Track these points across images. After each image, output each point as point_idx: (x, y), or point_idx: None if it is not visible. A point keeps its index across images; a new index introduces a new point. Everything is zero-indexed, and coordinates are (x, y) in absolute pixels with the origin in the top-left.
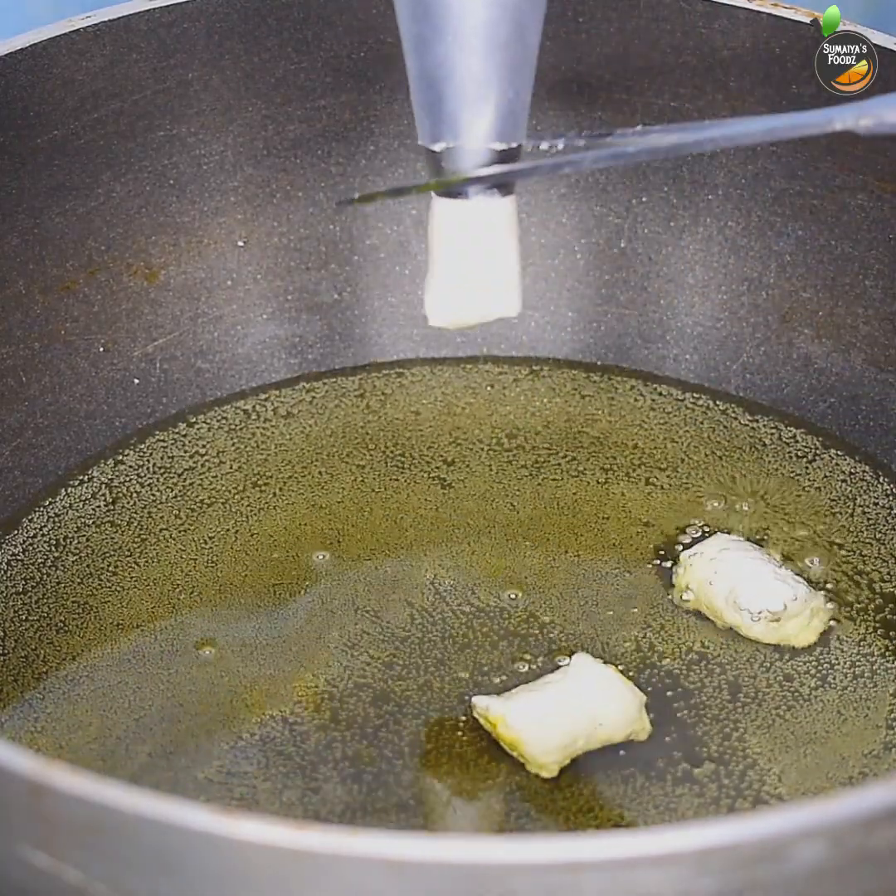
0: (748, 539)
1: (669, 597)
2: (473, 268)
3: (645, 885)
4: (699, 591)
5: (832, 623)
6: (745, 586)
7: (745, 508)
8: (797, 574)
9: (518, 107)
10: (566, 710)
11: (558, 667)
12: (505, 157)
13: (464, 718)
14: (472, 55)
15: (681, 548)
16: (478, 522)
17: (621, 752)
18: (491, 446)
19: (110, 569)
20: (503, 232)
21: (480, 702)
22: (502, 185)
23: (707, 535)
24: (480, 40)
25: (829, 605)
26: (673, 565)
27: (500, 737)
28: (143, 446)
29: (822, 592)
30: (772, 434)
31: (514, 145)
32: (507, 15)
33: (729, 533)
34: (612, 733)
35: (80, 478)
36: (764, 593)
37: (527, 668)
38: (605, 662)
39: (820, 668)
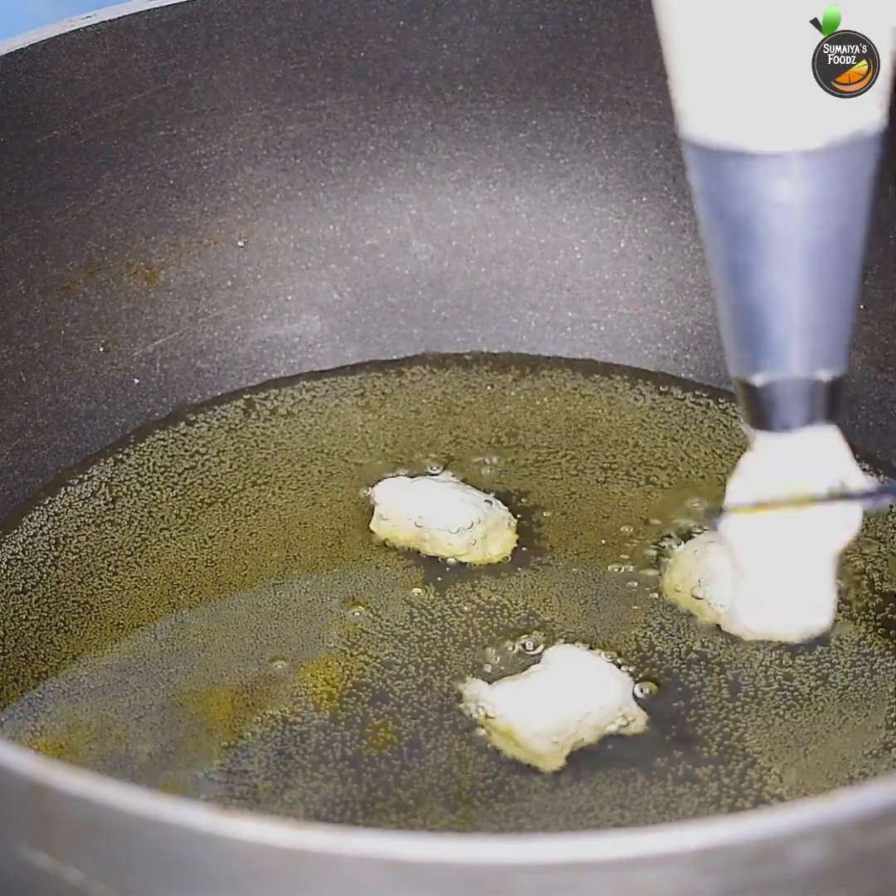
0: None
1: (668, 596)
2: (791, 570)
3: (645, 885)
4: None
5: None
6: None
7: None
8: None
9: (845, 331)
10: (552, 694)
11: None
12: (831, 387)
13: (463, 718)
14: (800, 282)
15: (680, 547)
16: None
17: (621, 751)
18: (491, 445)
19: (110, 568)
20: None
21: (471, 689)
22: (830, 411)
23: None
24: (810, 266)
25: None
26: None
27: (494, 729)
28: (142, 445)
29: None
30: None
31: (837, 375)
32: (837, 236)
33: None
34: (603, 718)
35: (80, 477)
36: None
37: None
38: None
39: (820, 667)
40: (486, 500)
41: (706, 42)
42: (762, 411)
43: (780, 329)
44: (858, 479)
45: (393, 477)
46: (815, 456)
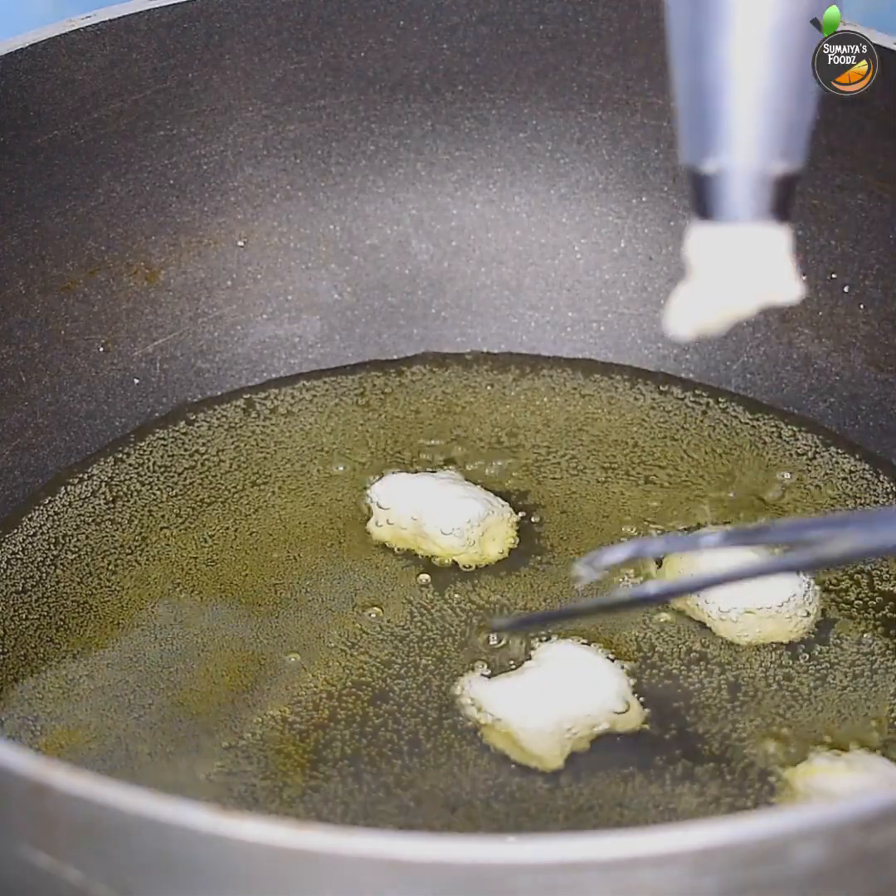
0: None
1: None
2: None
3: (645, 885)
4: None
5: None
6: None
7: (745, 508)
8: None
9: (802, 123)
10: (549, 692)
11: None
12: (783, 182)
13: (462, 717)
14: (762, 60)
15: None
16: None
17: (621, 751)
18: (491, 445)
19: (110, 567)
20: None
21: (468, 688)
22: (781, 209)
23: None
24: (774, 44)
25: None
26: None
27: (492, 730)
28: (142, 445)
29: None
30: (772, 433)
31: (792, 170)
32: (801, 16)
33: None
34: (599, 714)
35: (80, 476)
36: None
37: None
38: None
39: (820, 667)
40: (484, 497)
41: None
42: (710, 200)
43: (736, 110)
44: (790, 291)
45: (391, 474)
46: (757, 254)
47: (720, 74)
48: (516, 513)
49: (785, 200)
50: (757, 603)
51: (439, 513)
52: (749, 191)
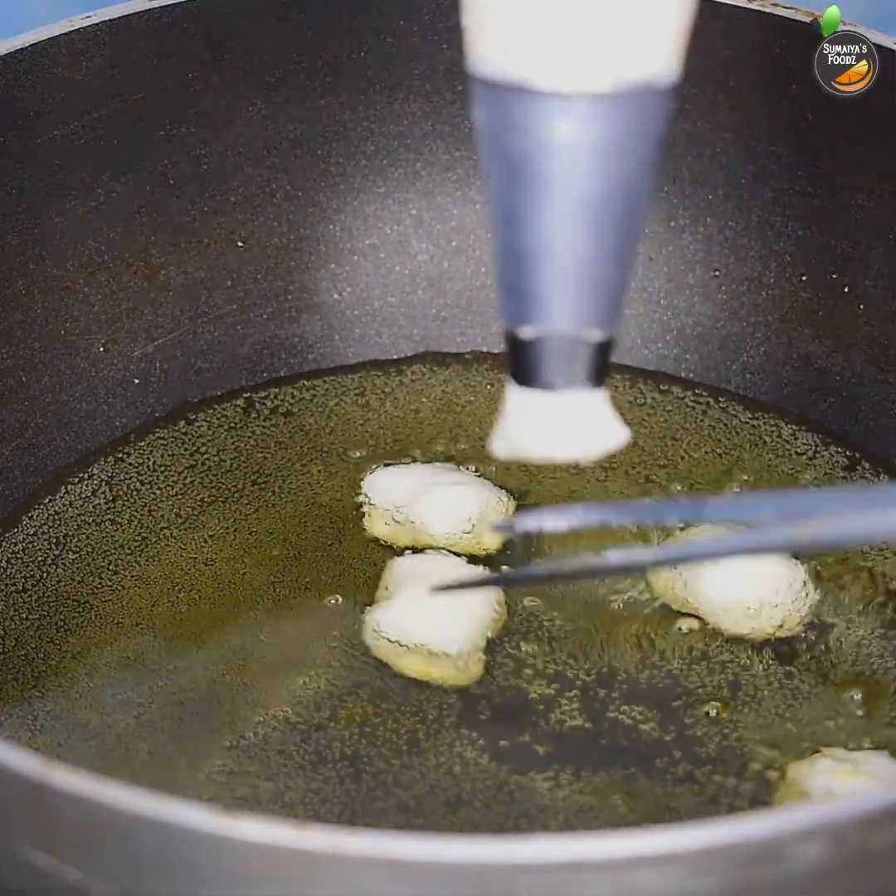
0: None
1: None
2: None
3: (645, 885)
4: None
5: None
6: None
7: None
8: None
9: (621, 291)
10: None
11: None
12: (598, 349)
13: (462, 717)
14: (575, 232)
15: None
16: None
17: (620, 751)
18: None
19: (110, 567)
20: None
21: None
22: (597, 375)
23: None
24: (587, 216)
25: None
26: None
27: (403, 655)
28: (143, 444)
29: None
30: (772, 432)
31: (607, 337)
32: (618, 189)
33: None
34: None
35: (81, 476)
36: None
37: (527, 665)
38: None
39: (820, 667)
40: (477, 484)
41: None
42: (526, 367)
43: (550, 280)
44: (613, 443)
45: (380, 468)
46: (574, 420)
47: (535, 245)
48: (514, 500)
49: (600, 366)
50: (753, 597)
51: (429, 502)
52: (564, 358)
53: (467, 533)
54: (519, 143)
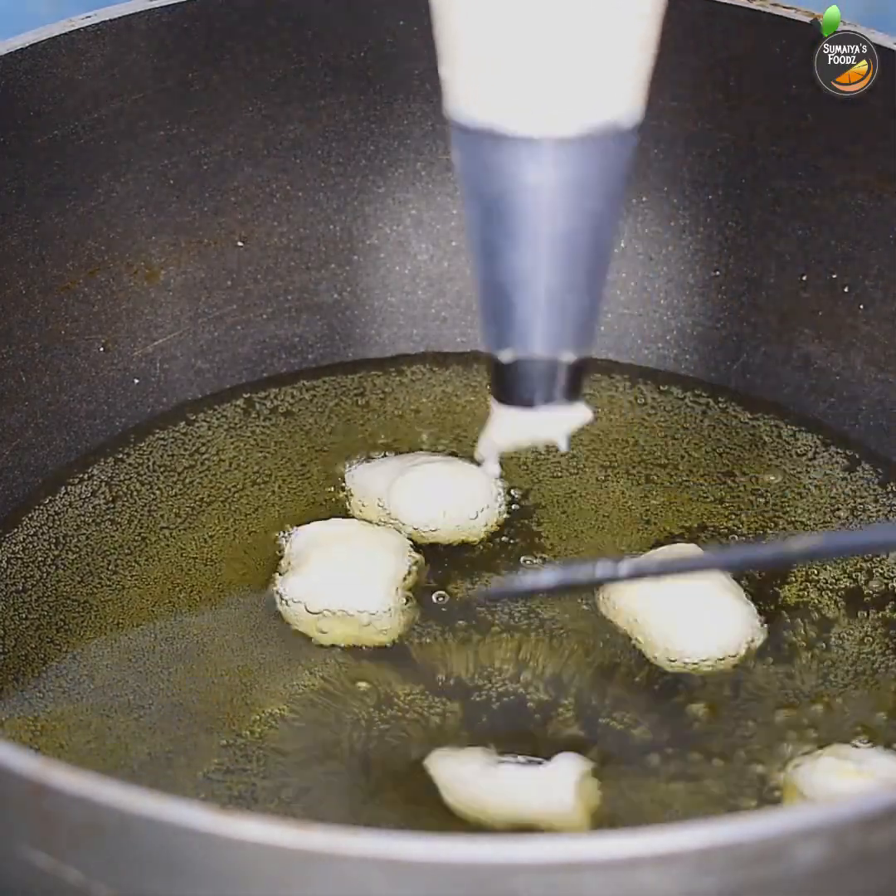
0: (746, 537)
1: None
2: None
3: (645, 885)
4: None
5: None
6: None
7: (745, 507)
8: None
9: (592, 315)
10: (350, 561)
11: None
12: (572, 368)
13: (461, 717)
14: (548, 265)
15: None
16: None
17: (621, 751)
18: None
19: (110, 567)
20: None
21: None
22: (572, 392)
23: (707, 532)
24: (558, 250)
25: None
26: None
27: (325, 626)
28: (142, 444)
29: None
30: (772, 432)
31: (581, 359)
32: (587, 224)
33: (727, 534)
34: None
35: (80, 476)
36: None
37: (528, 665)
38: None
39: (820, 666)
40: (450, 463)
41: (470, 22)
42: (505, 387)
43: (526, 309)
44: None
45: (357, 465)
46: (550, 433)
47: (512, 277)
48: (516, 514)
49: (575, 383)
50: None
51: (403, 490)
52: (541, 379)
53: (443, 514)
54: (493, 184)
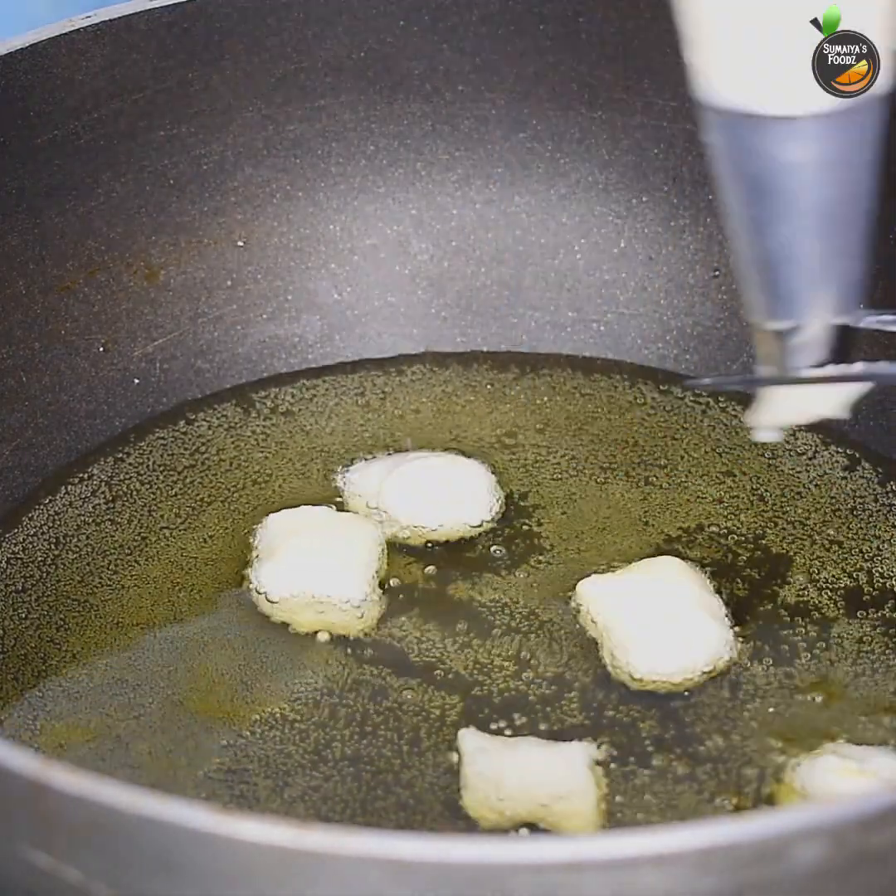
0: (747, 537)
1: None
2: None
3: (645, 885)
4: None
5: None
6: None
7: (745, 507)
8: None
9: (856, 279)
10: (324, 552)
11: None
12: (842, 333)
13: (460, 715)
14: (814, 236)
15: (679, 546)
16: None
17: (620, 751)
18: (491, 444)
19: (110, 567)
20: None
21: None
22: (843, 355)
23: (707, 532)
24: (823, 221)
25: None
26: None
27: (294, 609)
28: (142, 444)
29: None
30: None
31: (849, 322)
32: (848, 193)
33: (726, 534)
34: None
35: (80, 476)
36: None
37: (528, 665)
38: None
39: (820, 666)
40: (441, 457)
41: (722, 10)
42: (776, 354)
43: (796, 279)
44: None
45: (351, 468)
46: (820, 393)
47: (781, 249)
48: (515, 514)
49: (845, 347)
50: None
51: (395, 488)
52: (811, 344)
53: (436, 508)
54: (755, 163)
